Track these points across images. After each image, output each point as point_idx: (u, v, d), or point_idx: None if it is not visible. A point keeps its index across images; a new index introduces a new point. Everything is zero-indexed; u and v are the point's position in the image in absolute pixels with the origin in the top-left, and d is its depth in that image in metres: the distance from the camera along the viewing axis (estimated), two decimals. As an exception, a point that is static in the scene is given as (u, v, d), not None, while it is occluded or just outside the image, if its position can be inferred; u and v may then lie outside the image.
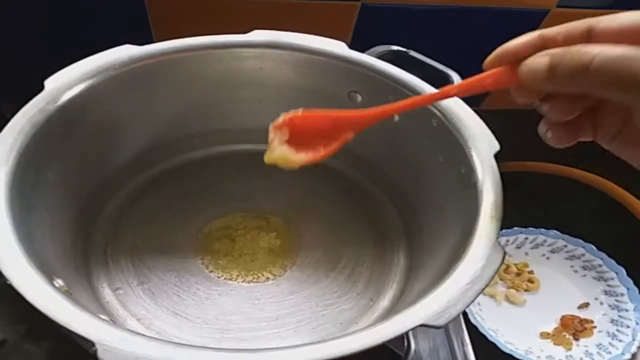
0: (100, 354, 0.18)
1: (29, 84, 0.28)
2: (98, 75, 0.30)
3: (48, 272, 0.23)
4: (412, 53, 0.42)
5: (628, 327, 0.44)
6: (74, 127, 0.30)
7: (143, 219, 0.37)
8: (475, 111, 0.32)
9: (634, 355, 0.42)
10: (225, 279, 0.35)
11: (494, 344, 0.41)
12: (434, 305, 0.21)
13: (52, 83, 0.28)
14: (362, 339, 0.19)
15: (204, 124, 0.40)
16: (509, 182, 0.27)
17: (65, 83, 0.28)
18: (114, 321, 0.30)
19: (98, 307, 0.30)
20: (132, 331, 0.19)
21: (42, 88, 0.28)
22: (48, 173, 0.28)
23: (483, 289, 0.22)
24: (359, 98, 0.37)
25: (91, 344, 0.18)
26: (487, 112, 0.33)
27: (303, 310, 0.33)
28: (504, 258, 0.23)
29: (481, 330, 0.42)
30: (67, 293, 0.23)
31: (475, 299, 0.22)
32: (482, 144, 0.29)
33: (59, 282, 0.23)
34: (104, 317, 0.23)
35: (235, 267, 0.36)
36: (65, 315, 0.19)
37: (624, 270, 0.47)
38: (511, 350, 0.41)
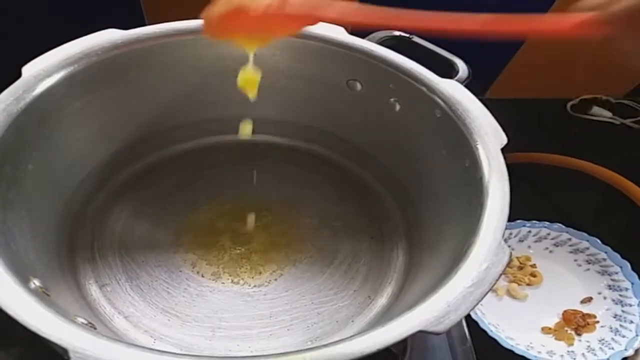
0: (73, 362, 0.17)
1: (5, 71, 0.26)
2: (79, 62, 0.28)
3: (24, 272, 0.21)
4: (416, 39, 0.40)
5: (632, 322, 0.43)
6: (54, 118, 0.28)
7: (132, 212, 0.36)
8: (480, 100, 0.30)
9: (636, 351, 0.41)
10: (217, 275, 0.34)
11: (494, 340, 0.40)
12: (434, 309, 0.20)
13: (30, 70, 0.26)
14: (350, 347, 0.17)
15: (196, 114, 0.38)
16: (512, 173, 0.26)
17: (44, 70, 0.27)
18: (100, 319, 0.29)
19: (82, 306, 0.28)
20: (108, 337, 0.18)
21: (19, 75, 0.26)
22: (28, 165, 0.27)
23: (487, 292, 0.21)
24: (359, 86, 0.35)
25: (64, 350, 0.17)
26: (491, 100, 0.31)
27: (297, 308, 0.32)
28: (509, 259, 0.22)
29: (481, 325, 0.41)
30: (44, 294, 0.22)
31: (478, 303, 0.20)
32: (488, 136, 0.28)
33: (35, 283, 0.22)
34: (82, 319, 0.22)
35: (228, 262, 0.34)
36: (37, 320, 0.18)
37: (628, 265, 0.45)
38: (512, 345, 0.40)
